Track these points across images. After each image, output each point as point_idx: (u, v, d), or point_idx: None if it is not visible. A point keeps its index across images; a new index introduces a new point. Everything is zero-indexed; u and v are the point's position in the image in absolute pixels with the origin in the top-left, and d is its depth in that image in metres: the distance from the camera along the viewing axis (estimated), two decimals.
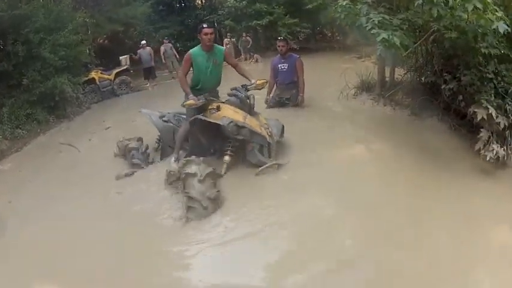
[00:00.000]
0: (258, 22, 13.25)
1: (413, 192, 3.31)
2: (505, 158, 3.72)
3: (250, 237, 2.91)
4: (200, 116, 3.71)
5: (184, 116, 4.13)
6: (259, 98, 4.85)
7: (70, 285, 2.78)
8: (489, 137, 3.78)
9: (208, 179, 3.27)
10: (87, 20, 9.85)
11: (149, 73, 10.58)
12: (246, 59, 12.90)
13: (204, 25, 3.83)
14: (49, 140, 6.70)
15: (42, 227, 3.53)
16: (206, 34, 3.76)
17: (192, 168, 3.27)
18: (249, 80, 3.93)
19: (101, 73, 9.88)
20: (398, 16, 3.77)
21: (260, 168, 3.58)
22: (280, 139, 3.92)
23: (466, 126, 4.28)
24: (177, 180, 3.52)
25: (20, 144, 6.46)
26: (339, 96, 5.64)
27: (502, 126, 3.73)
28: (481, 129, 3.83)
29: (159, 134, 4.38)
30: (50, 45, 7.58)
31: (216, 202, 3.23)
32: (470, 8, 3.24)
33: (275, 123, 4.00)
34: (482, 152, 3.74)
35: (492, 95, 3.82)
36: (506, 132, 3.80)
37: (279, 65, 5.26)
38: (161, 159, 4.22)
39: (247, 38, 13.39)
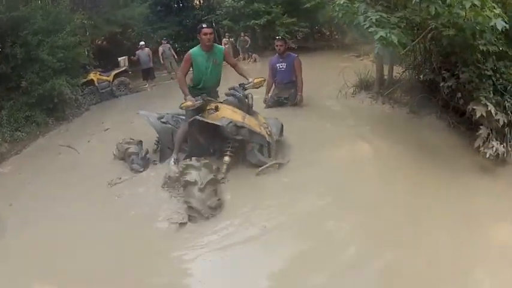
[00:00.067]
0: (256, 22, 13.26)
1: (412, 190, 3.31)
2: (505, 155, 3.72)
3: (252, 241, 2.90)
4: (198, 117, 3.69)
5: (183, 117, 4.11)
6: (258, 98, 4.85)
7: (70, 285, 2.78)
8: (488, 134, 3.77)
9: (209, 186, 3.22)
10: (85, 22, 9.84)
11: (148, 74, 10.56)
12: (244, 59, 12.88)
13: (204, 25, 3.82)
14: (48, 142, 6.68)
15: (42, 227, 3.53)
16: (206, 34, 3.75)
17: (192, 176, 3.23)
18: (247, 79, 3.92)
19: (100, 74, 9.87)
20: (396, 14, 3.76)
21: (260, 168, 3.58)
22: (279, 138, 3.92)
23: (465, 124, 4.28)
24: (176, 182, 3.52)
25: (19, 146, 6.43)
26: (337, 95, 5.65)
27: (501, 123, 3.72)
28: (480, 127, 3.82)
29: (158, 135, 4.35)
30: (48, 47, 7.55)
31: (217, 210, 3.20)
32: (468, 5, 3.23)
33: (274, 122, 3.99)
34: (481, 149, 3.74)
35: (491, 92, 3.82)
36: (506, 129, 3.79)
37: (277, 65, 5.26)
38: (160, 161, 4.19)
39: (246, 37, 13.39)
